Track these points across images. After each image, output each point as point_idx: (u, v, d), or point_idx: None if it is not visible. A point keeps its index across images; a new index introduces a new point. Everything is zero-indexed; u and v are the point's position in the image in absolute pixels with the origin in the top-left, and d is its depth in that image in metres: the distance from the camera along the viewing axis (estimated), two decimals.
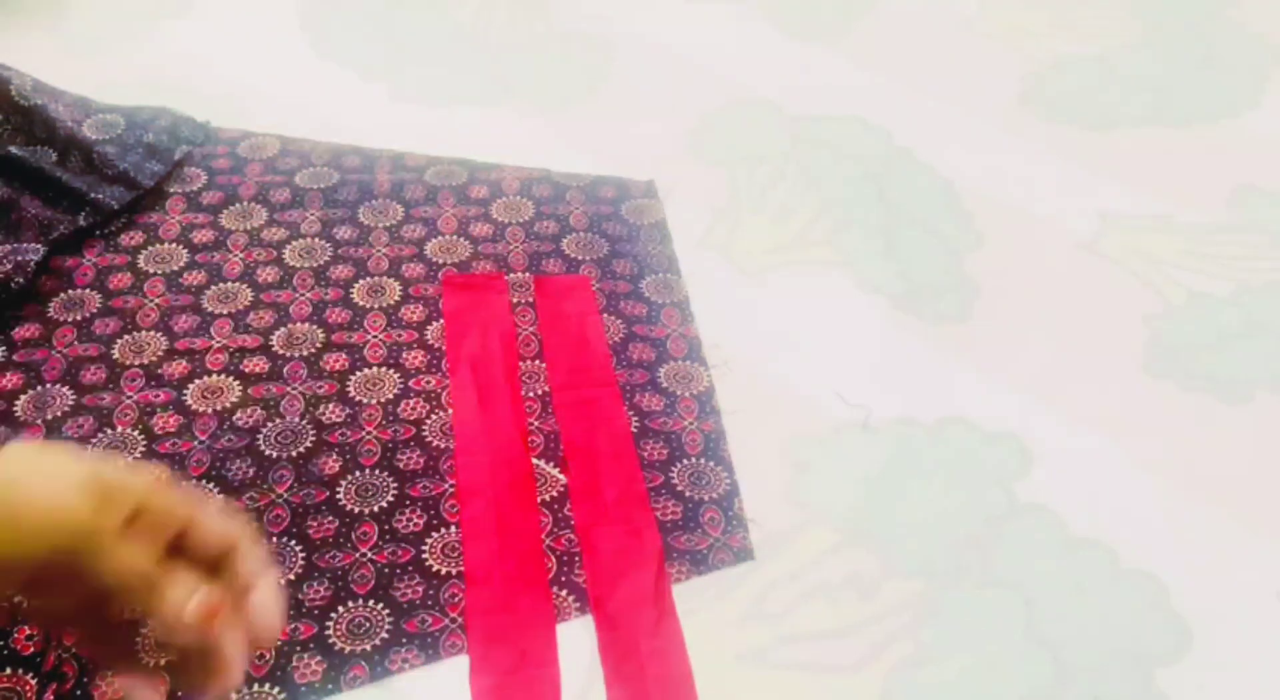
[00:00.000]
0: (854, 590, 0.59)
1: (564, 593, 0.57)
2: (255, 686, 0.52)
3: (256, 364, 0.67)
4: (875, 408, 0.68)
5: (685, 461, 0.64)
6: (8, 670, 0.52)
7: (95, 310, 0.70)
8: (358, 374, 0.67)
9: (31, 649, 0.52)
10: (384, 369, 0.68)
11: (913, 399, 0.69)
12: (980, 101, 0.94)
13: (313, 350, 0.68)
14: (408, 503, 0.61)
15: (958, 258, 0.79)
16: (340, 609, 0.56)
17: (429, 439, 0.64)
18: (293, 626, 0.55)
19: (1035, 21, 1.05)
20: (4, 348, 0.67)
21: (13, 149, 0.78)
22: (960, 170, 0.86)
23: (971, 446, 0.66)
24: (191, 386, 0.66)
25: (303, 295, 0.72)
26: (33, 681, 0.52)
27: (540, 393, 0.67)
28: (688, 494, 0.62)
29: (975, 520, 0.62)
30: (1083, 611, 0.58)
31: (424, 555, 0.58)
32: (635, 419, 0.66)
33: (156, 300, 0.71)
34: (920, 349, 0.72)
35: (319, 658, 0.54)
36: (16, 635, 0.53)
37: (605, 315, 0.72)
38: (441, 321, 0.71)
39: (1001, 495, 0.64)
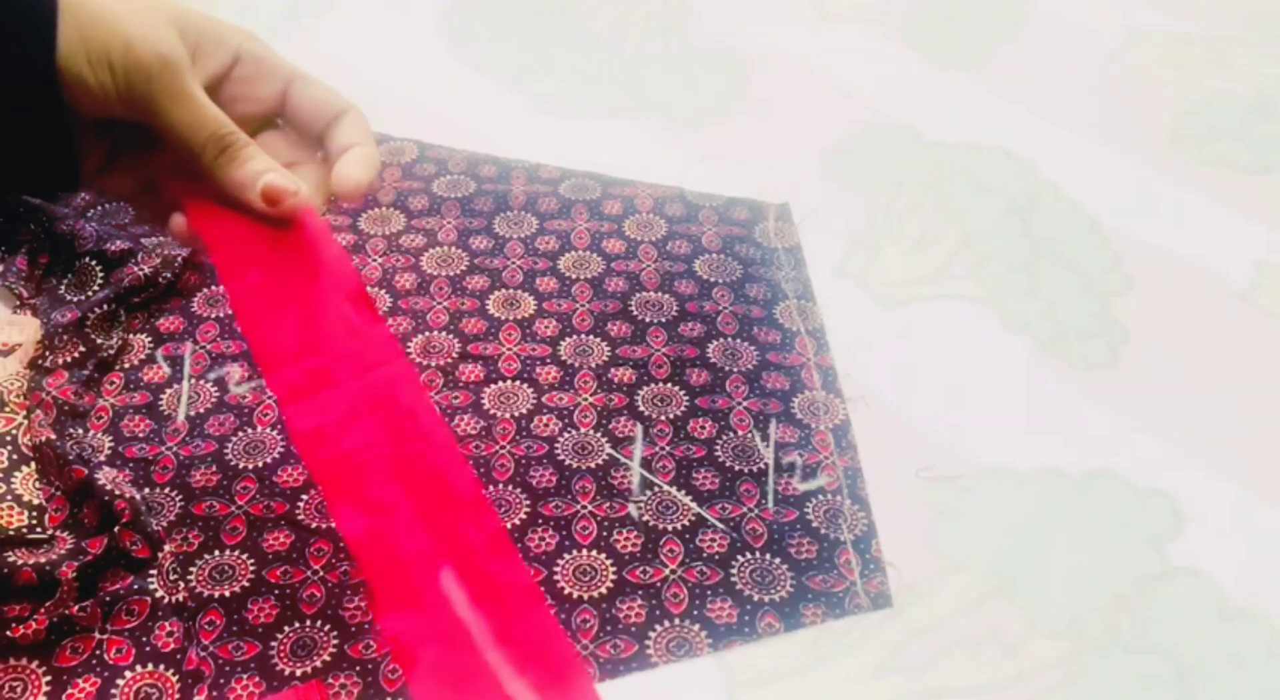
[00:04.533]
0: (997, 646, 0.57)
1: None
2: None
3: None
4: (969, 473, 0.65)
5: (821, 497, 0.62)
6: (150, 666, 0.52)
7: None
8: (492, 387, 0.67)
9: (171, 645, 0.53)
10: (517, 383, 0.67)
11: (1059, 448, 0.66)
12: (1128, 137, 0.91)
13: (449, 359, 0.68)
14: (540, 522, 0.60)
15: (1105, 300, 0.76)
16: None
17: (560, 457, 0.63)
18: None
19: (1186, 57, 1.01)
20: (151, 339, 0.69)
21: None
22: (1108, 208, 0.83)
23: (1120, 502, 0.64)
24: None
25: (440, 303, 0.72)
26: (174, 679, 0.52)
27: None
28: (823, 531, 0.61)
29: (1125, 580, 0.60)
30: (1240, 686, 0.55)
31: (555, 577, 0.58)
32: (768, 451, 0.65)
33: None
34: (1066, 395, 0.70)
35: None
36: (158, 631, 0.53)
37: (738, 340, 0.71)
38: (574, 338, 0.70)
39: (1153, 555, 0.61)
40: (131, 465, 0.62)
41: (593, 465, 0.63)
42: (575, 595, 0.57)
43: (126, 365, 0.67)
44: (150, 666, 0.52)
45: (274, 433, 0.64)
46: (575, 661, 0.41)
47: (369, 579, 0.39)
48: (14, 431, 0.61)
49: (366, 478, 0.39)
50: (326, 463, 0.39)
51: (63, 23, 0.31)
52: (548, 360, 0.69)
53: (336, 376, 0.40)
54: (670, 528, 0.60)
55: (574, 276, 0.75)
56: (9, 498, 0.58)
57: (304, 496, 0.61)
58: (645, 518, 0.61)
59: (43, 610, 0.52)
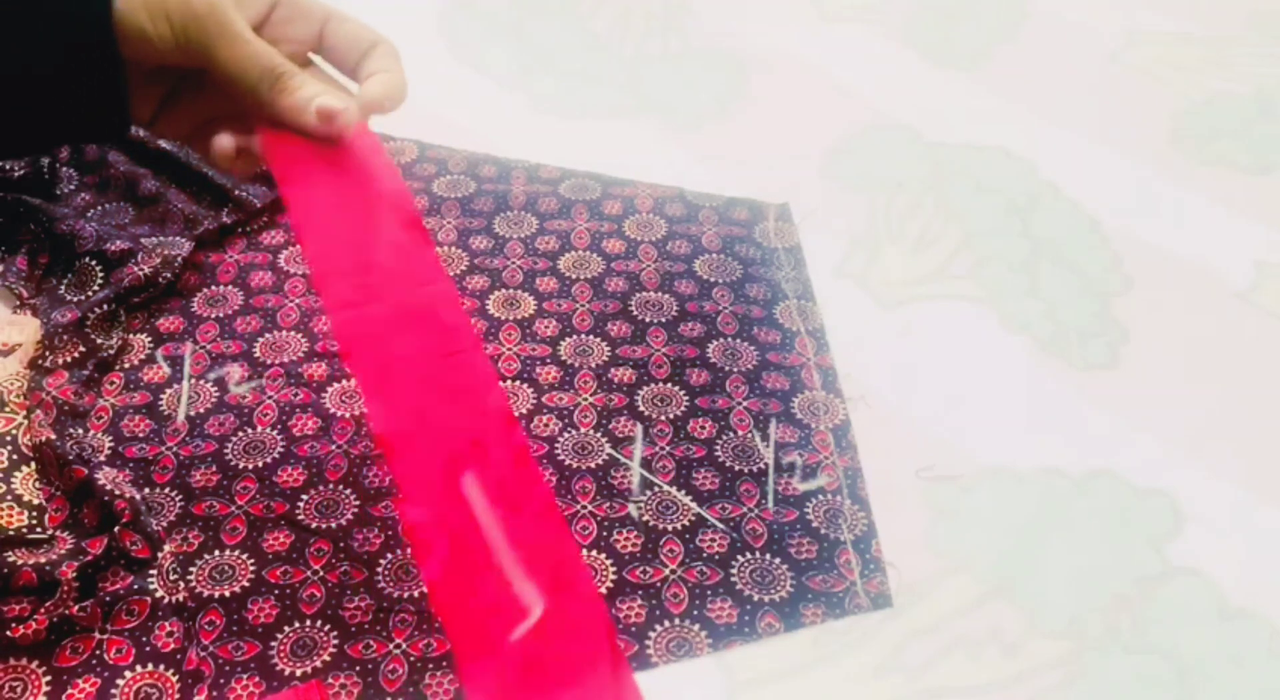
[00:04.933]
0: (997, 646, 0.57)
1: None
2: None
3: None
4: (969, 473, 0.65)
5: (821, 497, 0.62)
6: (150, 666, 0.52)
7: (237, 307, 0.71)
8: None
9: (171, 645, 0.53)
10: (518, 382, 0.67)
11: (1059, 448, 0.66)
12: (1128, 137, 0.91)
13: None
14: None
15: (1105, 300, 0.76)
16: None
17: (560, 458, 0.63)
18: (425, 643, 0.55)
19: (1186, 57, 1.01)
20: (151, 339, 0.69)
21: (162, 142, 0.80)
22: (1108, 208, 0.83)
23: (1120, 502, 0.64)
24: (330, 390, 0.66)
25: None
26: (174, 679, 0.52)
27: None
28: (823, 531, 0.61)
29: (1125, 580, 0.60)
30: (1240, 686, 0.55)
31: None
32: (769, 451, 0.65)
33: (297, 300, 0.72)
34: (1066, 395, 0.70)
35: (450, 676, 0.53)
36: (157, 631, 0.53)
37: (738, 340, 0.71)
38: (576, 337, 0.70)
39: (1153, 555, 0.61)
40: (131, 465, 0.62)
41: (593, 465, 0.63)
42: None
43: (126, 365, 0.67)
44: (150, 666, 0.52)
45: (274, 433, 0.64)
46: (582, 569, 0.43)
47: (395, 472, 0.41)
48: (14, 431, 0.61)
49: (403, 383, 0.42)
50: (367, 366, 0.42)
51: None
52: (548, 360, 0.69)
53: (384, 293, 0.43)
54: (670, 528, 0.60)
55: (574, 276, 0.75)
56: (9, 498, 0.58)
57: (304, 496, 0.61)
58: (645, 518, 0.61)
59: (43, 610, 0.52)
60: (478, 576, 0.40)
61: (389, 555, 0.58)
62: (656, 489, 0.62)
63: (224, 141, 0.42)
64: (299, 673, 0.53)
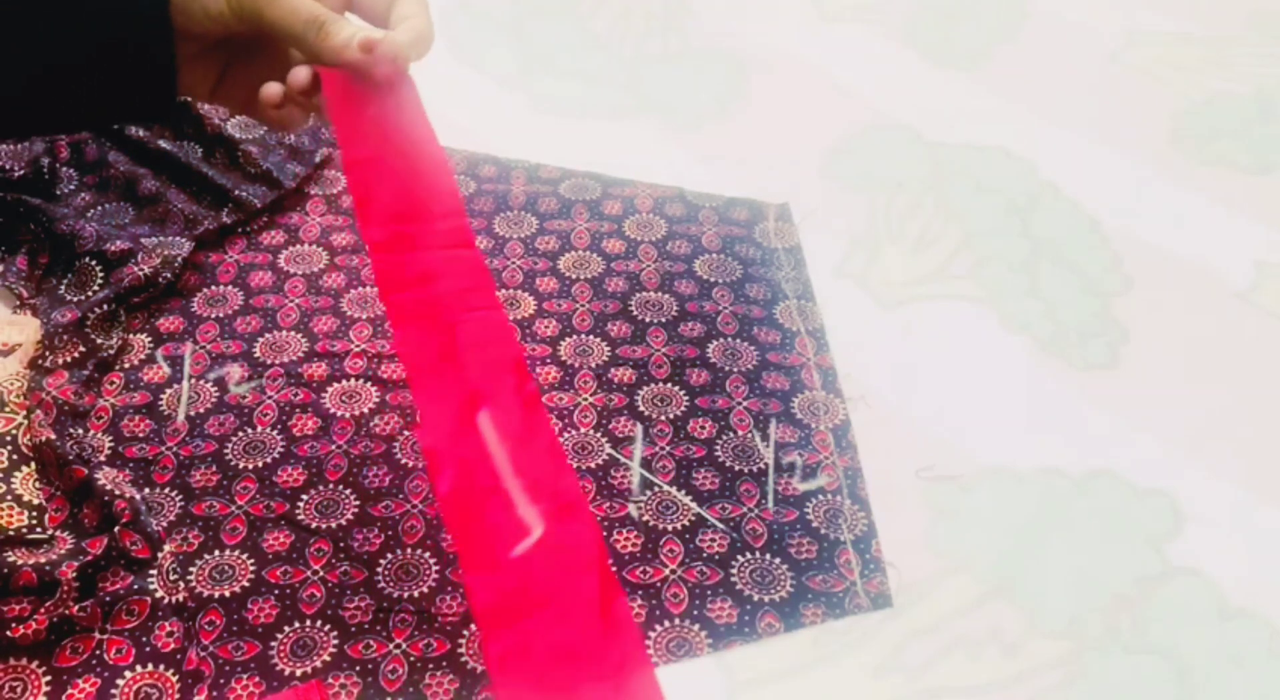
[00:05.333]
0: (997, 646, 0.56)
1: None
2: None
3: (394, 371, 0.67)
4: (969, 473, 0.65)
5: (821, 497, 0.62)
6: (150, 666, 0.52)
7: (237, 307, 0.71)
8: None
9: (171, 645, 0.53)
10: None
11: (1059, 448, 0.66)
12: (1128, 137, 0.91)
13: None
14: None
15: (1105, 300, 0.76)
16: (473, 627, 0.55)
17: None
18: (425, 643, 0.55)
19: (1186, 57, 1.01)
20: (151, 339, 0.69)
21: (162, 142, 0.80)
22: (1108, 208, 0.83)
23: (1120, 502, 0.64)
24: (330, 389, 0.66)
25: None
26: (174, 679, 0.52)
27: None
28: (823, 531, 0.61)
29: (1125, 580, 0.60)
30: (1240, 686, 0.55)
31: None
32: (768, 451, 0.65)
33: (297, 300, 0.72)
34: (1066, 395, 0.70)
35: (450, 676, 0.53)
36: (157, 631, 0.53)
37: (738, 340, 0.71)
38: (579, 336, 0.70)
39: (1153, 555, 0.61)
40: (131, 465, 0.62)
41: (593, 465, 0.63)
42: None
43: (126, 365, 0.67)
44: (150, 666, 0.52)
45: (274, 433, 0.64)
46: (580, 500, 0.48)
47: (418, 401, 0.47)
48: (14, 431, 0.61)
49: (430, 326, 0.47)
50: (400, 305, 0.47)
51: None
52: (548, 360, 0.69)
53: (420, 244, 0.48)
54: (670, 528, 0.60)
55: (574, 276, 0.75)
56: (9, 498, 0.58)
57: (304, 496, 0.61)
58: (645, 518, 0.61)
59: (43, 610, 0.52)
60: (485, 499, 0.44)
61: (389, 555, 0.58)
62: (656, 489, 0.62)
63: (272, 89, 0.45)
64: (299, 673, 0.53)
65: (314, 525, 0.59)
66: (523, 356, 0.49)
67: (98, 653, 0.53)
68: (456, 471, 0.45)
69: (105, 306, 0.68)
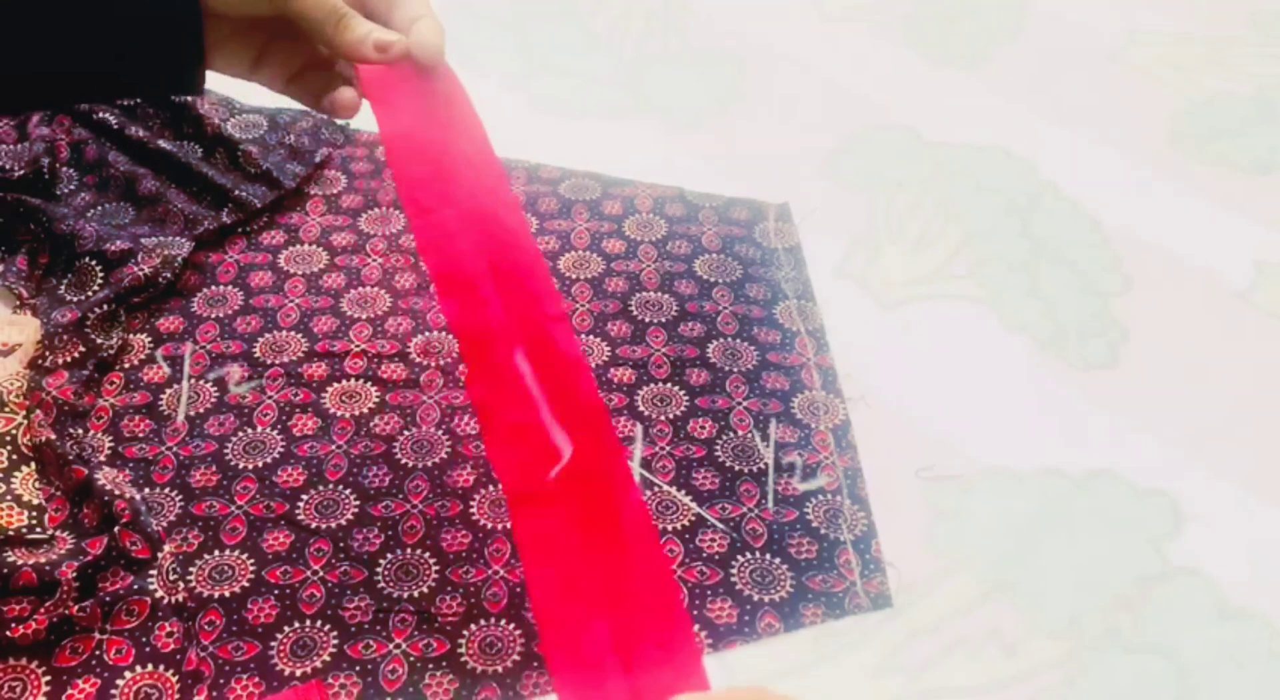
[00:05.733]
0: (997, 646, 0.57)
1: None
2: None
3: (394, 370, 0.67)
4: (969, 473, 0.65)
5: (821, 497, 0.62)
6: (149, 666, 0.52)
7: (237, 307, 0.71)
8: None
9: (171, 646, 0.53)
10: None
11: (1058, 448, 0.66)
12: (1128, 137, 0.91)
13: (449, 359, 0.68)
14: None
15: (1105, 300, 0.76)
16: (473, 627, 0.55)
17: None
18: (425, 643, 0.55)
19: (1186, 56, 1.01)
20: (151, 339, 0.69)
21: (162, 142, 0.80)
22: (1108, 208, 0.83)
23: (1120, 501, 0.64)
24: (330, 389, 0.66)
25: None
26: (174, 679, 0.52)
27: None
28: (823, 531, 0.61)
29: (1124, 580, 0.60)
30: (1240, 686, 0.55)
31: None
32: (768, 451, 0.65)
33: (297, 300, 0.72)
34: (1066, 394, 0.70)
35: (450, 676, 0.53)
36: (157, 631, 0.53)
37: (738, 340, 0.71)
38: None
39: (1153, 555, 0.61)
40: (131, 465, 0.62)
41: None
42: None
43: (126, 365, 0.67)
44: (150, 667, 0.52)
45: (274, 433, 0.64)
46: (607, 424, 0.50)
47: (465, 355, 0.50)
48: (14, 431, 0.61)
49: (470, 278, 0.49)
50: (440, 263, 0.50)
51: None
52: None
53: (456, 199, 0.51)
54: (670, 528, 0.60)
55: (574, 276, 0.75)
56: (9, 498, 0.58)
57: (304, 496, 0.61)
58: None
59: (43, 610, 0.52)
60: (523, 432, 0.48)
61: (389, 555, 0.58)
62: (656, 489, 0.62)
63: (347, 96, 0.49)
64: (299, 673, 0.53)
65: (314, 525, 0.59)
66: (562, 309, 0.52)
67: (98, 653, 0.53)
68: (502, 415, 0.49)
69: (105, 306, 0.68)
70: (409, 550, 0.58)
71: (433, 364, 0.68)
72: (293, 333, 0.70)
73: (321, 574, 0.57)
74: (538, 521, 0.48)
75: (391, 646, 0.54)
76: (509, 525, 0.59)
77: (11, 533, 0.57)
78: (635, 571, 0.47)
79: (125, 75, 0.46)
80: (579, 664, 0.46)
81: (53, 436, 0.60)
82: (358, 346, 0.69)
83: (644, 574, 0.48)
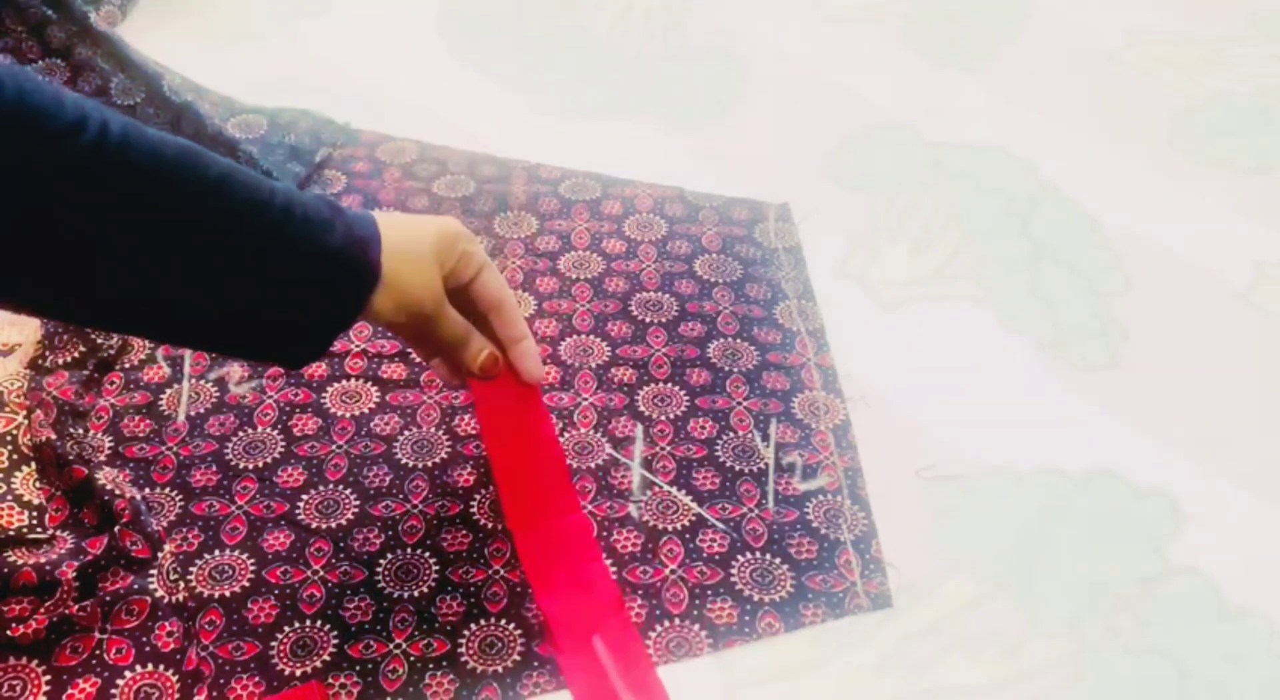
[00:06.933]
0: (998, 646, 0.57)
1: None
2: None
3: (394, 370, 0.67)
4: (969, 473, 0.65)
5: (821, 497, 0.62)
6: (150, 666, 0.52)
7: None
8: None
9: (171, 645, 0.53)
10: None
11: (1059, 448, 0.66)
12: (1128, 137, 0.91)
13: None
14: None
15: (1105, 300, 0.76)
16: (473, 626, 0.55)
17: None
18: (425, 643, 0.55)
19: (1186, 56, 1.01)
20: None
21: None
22: (1108, 208, 0.83)
23: (1120, 502, 0.64)
24: (330, 389, 0.66)
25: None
26: (174, 679, 0.52)
27: None
28: (823, 531, 0.61)
29: (1125, 580, 0.60)
30: (1240, 686, 0.55)
31: None
32: (769, 451, 0.65)
33: None
34: (1066, 395, 0.70)
35: (451, 676, 0.53)
36: (157, 631, 0.53)
37: (738, 340, 0.71)
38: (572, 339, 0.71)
39: (1153, 555, 0.61)
40: (131, 465, 0.62)
41: (593, 465, 0.63)
42: None
43: (126, 365, 0.67)
44: (150, 666, 0.52)
45: (274, 432, 0.64)
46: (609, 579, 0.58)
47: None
48: (14, 431, 0.61)
49: (553, 578, 0.58)
50: (534, 560, 0.58)
51: (381, 290, 0.48)
52: (547, 360, 0.69)
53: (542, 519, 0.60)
54: (670, 528, 0.60)
55: (574, 276, 0.75)
56: (9, 498, 0.58)
57: (304, 496, 0.61)
58: (645, 518, 0.61)
59: (43, 610, 0.52)
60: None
61: (389, 555, 0.58)
62: (656, 489, 0.62)
63: (489, 358, 0.55)
64: (299, 673, 0.53)
65: (314, 525, 0.59)
66: (620, 601, 0.58)
67: (98, 653, 0.53)
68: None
69: None
70: (409, 550, 0.58)
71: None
72: None
73: (322, 574, 0.57)
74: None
75: (392, 646, 0.54)
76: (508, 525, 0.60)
77: (12, 533, 0.57)
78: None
79: (250, 345, 0.47)
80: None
81: (53, 436, 0.60)
82: (358, 346, 0.69)
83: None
